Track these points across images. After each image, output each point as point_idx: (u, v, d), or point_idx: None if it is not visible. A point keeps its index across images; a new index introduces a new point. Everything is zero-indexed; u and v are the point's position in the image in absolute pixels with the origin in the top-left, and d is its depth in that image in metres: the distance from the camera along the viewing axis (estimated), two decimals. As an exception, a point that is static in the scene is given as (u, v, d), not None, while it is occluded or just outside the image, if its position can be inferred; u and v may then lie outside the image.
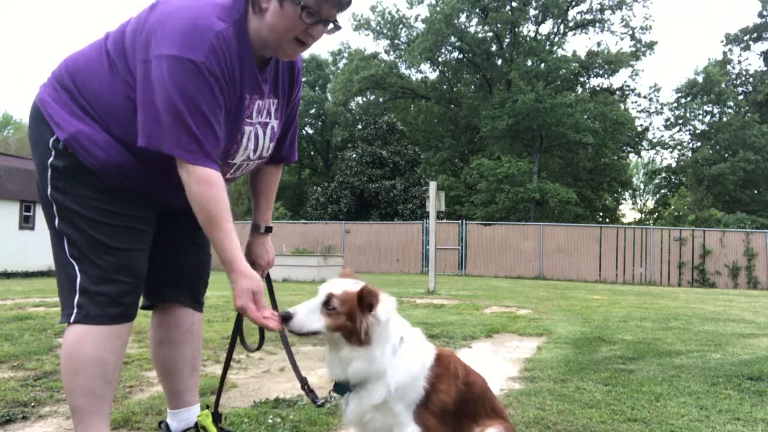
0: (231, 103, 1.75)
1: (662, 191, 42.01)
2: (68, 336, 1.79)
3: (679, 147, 39.62)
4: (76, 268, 1.78)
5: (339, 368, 1.66)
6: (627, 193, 43.70)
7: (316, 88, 43.09)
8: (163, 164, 1.72)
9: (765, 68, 38.01)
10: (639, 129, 38.05)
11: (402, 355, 1.67)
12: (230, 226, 1.72)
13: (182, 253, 2.10)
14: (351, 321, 1.60)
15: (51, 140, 1.77)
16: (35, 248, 15.02)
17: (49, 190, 1.80)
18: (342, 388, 1.70)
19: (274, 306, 2.02)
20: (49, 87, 1.84)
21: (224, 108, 1.71)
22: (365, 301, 1.60)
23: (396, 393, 1.64)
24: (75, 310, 1.77)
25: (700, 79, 36.47)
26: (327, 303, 1.61)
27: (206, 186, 1.68)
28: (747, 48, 38.42)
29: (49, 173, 1.79)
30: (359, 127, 31.56)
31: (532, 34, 35.98)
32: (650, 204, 48.02)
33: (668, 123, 38.88)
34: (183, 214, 1.93)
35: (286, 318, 1.62)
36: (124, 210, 1.82)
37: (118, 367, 1.85)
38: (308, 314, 1.62)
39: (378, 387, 1.64)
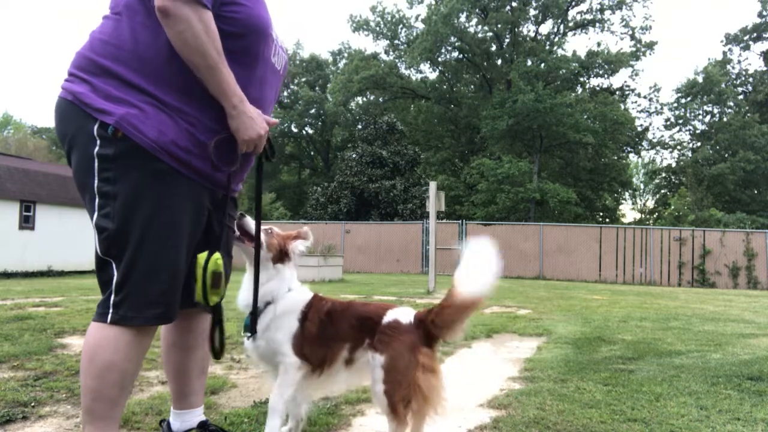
0: None
1: (662, 191, 42.02)
2: (90, 336, 1.71)
3: (679, 147, 39.71)
4: (113, 266, 1.69)
5: (248, 292, 2.05)
6: (627, 193, 43.69)
7: (316, 88, 43.06)
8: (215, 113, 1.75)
9: (765, 68, 38.03)
10: (639, 129, 38.08)
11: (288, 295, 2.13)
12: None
13: None
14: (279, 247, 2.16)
15: (95, 128, 1.66)
16: (35, 248, 15.01)
17: (96, 182, 1.68)
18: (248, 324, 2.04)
19: None
20: (74, 82, 1.74)
21: None
22: (294, 236, 2.20)
23: (279, 317, 2.06)
24: (111, 311, 1.69)
25: (700, 79, 36.50)
26: (269, 230, 2.16)
27: (210, 20, 1.65)
28: (747, 48, 38.48)
29: (96, 165, 1.67)
30: (359, 127, 31.53)
31: (532, 34, 36.00)
32: (650, 204, 48.02)
33: (668, 123, 38.95)
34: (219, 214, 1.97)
35: (242, 215, 2.10)
36: (176, 202, 1.72)
37: (135, 375, 1.79)
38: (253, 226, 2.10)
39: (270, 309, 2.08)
